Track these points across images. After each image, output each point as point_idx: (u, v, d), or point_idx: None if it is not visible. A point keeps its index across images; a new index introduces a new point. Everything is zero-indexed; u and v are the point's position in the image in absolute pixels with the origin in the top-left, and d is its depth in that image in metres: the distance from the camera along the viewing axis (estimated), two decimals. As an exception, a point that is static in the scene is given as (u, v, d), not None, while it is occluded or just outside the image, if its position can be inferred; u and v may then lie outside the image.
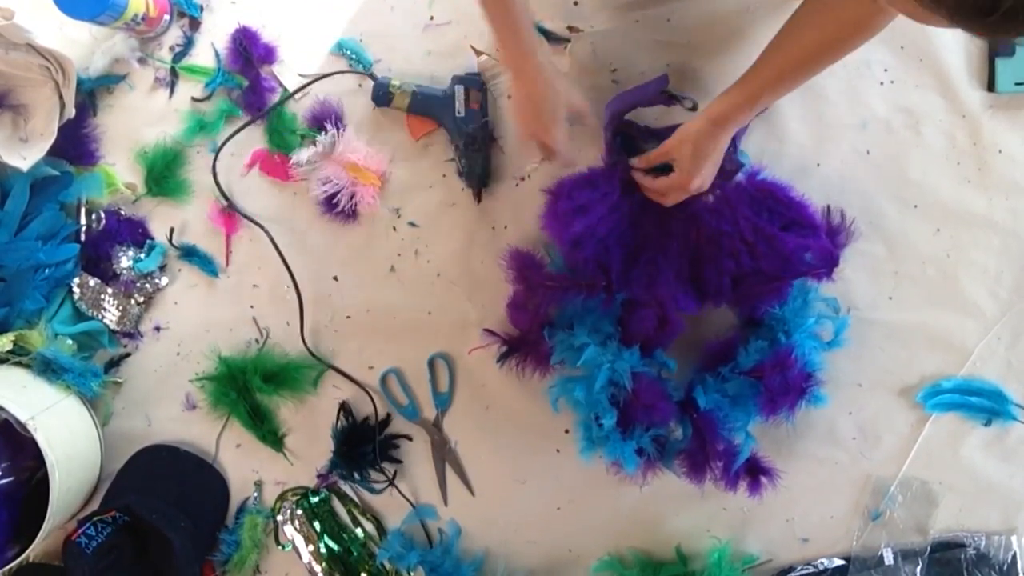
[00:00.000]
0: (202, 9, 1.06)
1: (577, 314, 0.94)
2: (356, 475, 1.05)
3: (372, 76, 1.02)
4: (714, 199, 0.94)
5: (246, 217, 1.05)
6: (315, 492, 1.06)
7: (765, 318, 0.96)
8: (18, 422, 0.94)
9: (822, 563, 1.03)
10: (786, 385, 0.93)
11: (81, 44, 1.05)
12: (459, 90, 1.00)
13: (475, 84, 1.01)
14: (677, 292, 0.93)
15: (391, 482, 1.05)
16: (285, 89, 1.05)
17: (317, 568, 1.05)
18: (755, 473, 0.96)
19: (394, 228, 1.05)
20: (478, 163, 1.01)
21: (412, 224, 1.05)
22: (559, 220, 0.92)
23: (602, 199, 0.91)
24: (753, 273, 0.92)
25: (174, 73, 1.06)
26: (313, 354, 1.05)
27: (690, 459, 0.95)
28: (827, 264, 0.92)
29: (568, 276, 0.93)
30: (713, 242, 0.92)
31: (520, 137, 0.98)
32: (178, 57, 1.06)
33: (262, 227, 1.04)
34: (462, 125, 1.00)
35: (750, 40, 1.00)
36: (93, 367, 1.04)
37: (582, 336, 0.92)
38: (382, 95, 1.01)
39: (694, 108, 0.96)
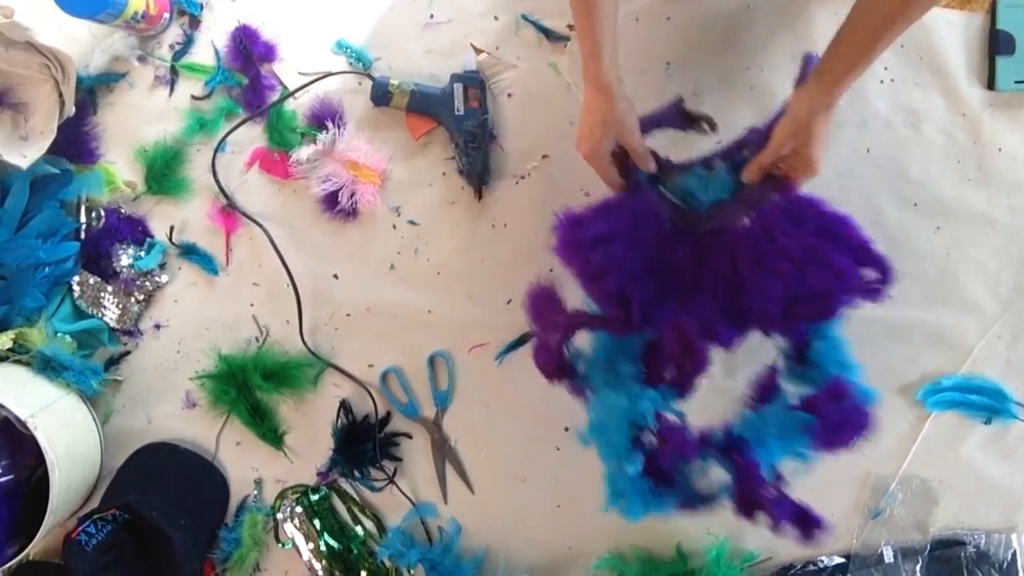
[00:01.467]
0: (202, 7, 1.06)
1: (598, 352, 0.89)
2: (356, 473, 1.05)
3: (371, 76, 1.02)
4: (750, 222, 0.88)
5: (245, 215, 1.05)
6: (315, 490, 1.06)
7: (810, 350, 0.88)
8: (18, 420, 0.94)
9: (822, 561, 1.03)
10: (844, 418, 0.85)
11: (81, 42, 1.05)
12: (458, 88, 1.00)
13: (474, 82, 1.01)
14: (716, 323, 0.86)
15: (391, 480, 1.05)
16: (285, 87, 1.05)
17: (317, 566, 1.05)
18: (805, 523, 0.87)
19: (394, 226, 1.05)
20: (478, 161, 1.01)
21: (412, 222, 1.05)
22: (573, 249, 0.87)
23: (622, 231, 0.86)
24: (801, 294, 0.85)
25: (174, 71, 1.06)
26: (312, 352, 1.05)
27: (739, 500, 0.87)
28: (883, 279, 0.86)
29: (584, 313, 0.88)
30: (755, 265, 0.86)
31: (579, 151, 0.89)
32: (178, 55, 1.06)
33: (260, 225, 1.04)
34: (462, 123, 1.00)
35: (751, 38, 1.00)
36: (93, 365, 1.04)
37: (597, 379, 0.88)
38: (381, 95, 1.01)
39: (713, 128, 0.92)
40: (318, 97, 1.04)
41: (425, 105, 1.01)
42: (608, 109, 0.84)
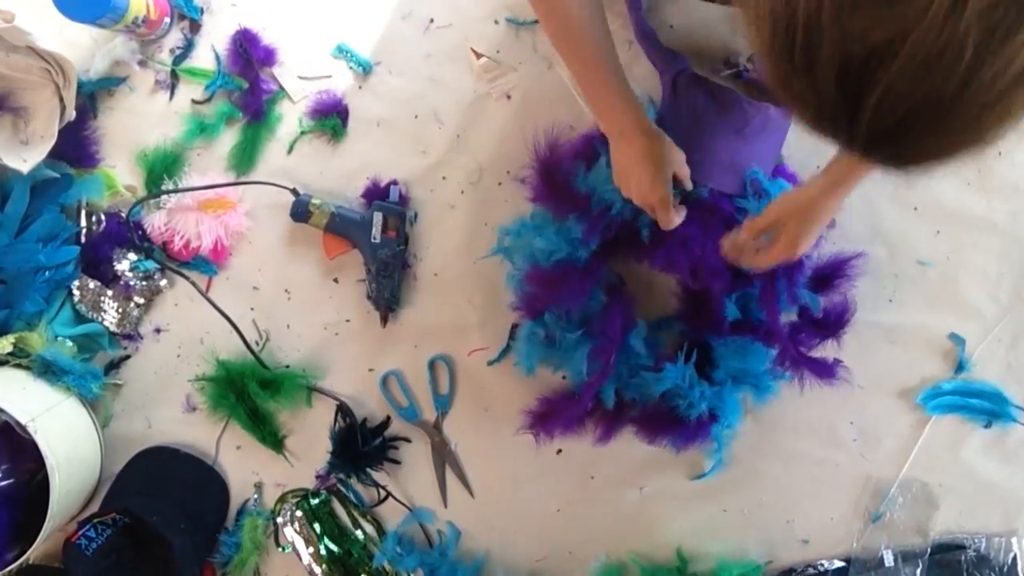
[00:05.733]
0: (202, 11, 1.06)
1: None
2: (353, 477, 1.05)
3: (295, 192, 1.03)
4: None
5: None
6: (315, 494, 1.06)
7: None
8: (18, 424, 0.94)
9: (822, 565, 1.03)
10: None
11: (81, 47, 1.05)
12: (377, 216, 1.01)
13: (395, 212, 1.01)
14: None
15: (388, 493, 1.05)
16: (284, 91, 1.05)
17: (317, 570, 1.05)
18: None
19: (394, 230, 1.05)
20: (387, 289, 1.02)
21: (411, 225, 1.05)
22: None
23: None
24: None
25: (174, 75, 1.06)
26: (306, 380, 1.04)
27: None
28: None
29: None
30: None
31: (632, 200, 0.88)
32: (178, 59, 1.06)
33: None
34: (376, 251, 1.01)
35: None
36: (93, 369, 1.04)
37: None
38: (301, 212, 1.02)
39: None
40: (320, 92, 1.04)
41: (343, 228, 1.02)
42: (661, 148, 0.84)
